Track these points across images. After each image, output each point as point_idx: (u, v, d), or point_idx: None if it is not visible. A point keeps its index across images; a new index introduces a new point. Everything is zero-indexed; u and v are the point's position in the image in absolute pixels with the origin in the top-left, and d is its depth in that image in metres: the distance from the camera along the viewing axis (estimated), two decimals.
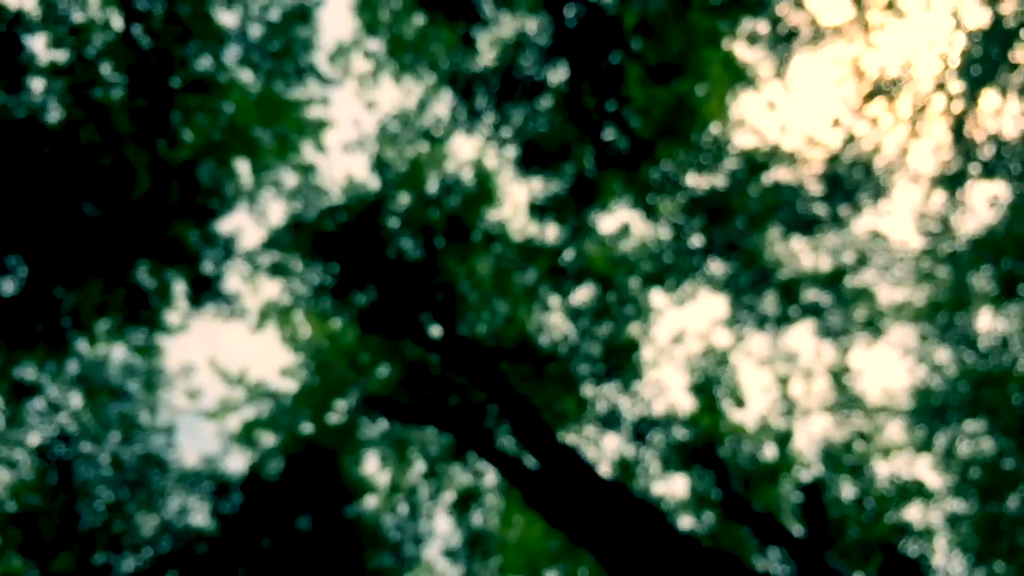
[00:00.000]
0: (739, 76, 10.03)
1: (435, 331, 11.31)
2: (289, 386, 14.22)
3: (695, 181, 11.63)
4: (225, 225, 11.77)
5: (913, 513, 13.00)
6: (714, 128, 9.92)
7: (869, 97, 13.73)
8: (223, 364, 13.82)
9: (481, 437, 8.14)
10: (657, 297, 13.65)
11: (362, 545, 10.13)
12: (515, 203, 13.14)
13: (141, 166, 8.80)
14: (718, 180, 12.25)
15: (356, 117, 12.16)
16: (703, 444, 12.95)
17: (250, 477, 10.74)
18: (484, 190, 12.59)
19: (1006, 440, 13.63)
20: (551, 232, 13.22)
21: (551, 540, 13.12)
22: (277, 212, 13.95)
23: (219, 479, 10.70)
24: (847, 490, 12.78)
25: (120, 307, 9.79)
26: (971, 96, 13.85)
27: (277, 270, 13.11)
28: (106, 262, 9.24)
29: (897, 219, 14.26)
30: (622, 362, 14.01)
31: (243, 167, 12.01)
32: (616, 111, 9.57)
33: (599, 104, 9.68)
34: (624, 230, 13.26)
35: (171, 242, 9.96)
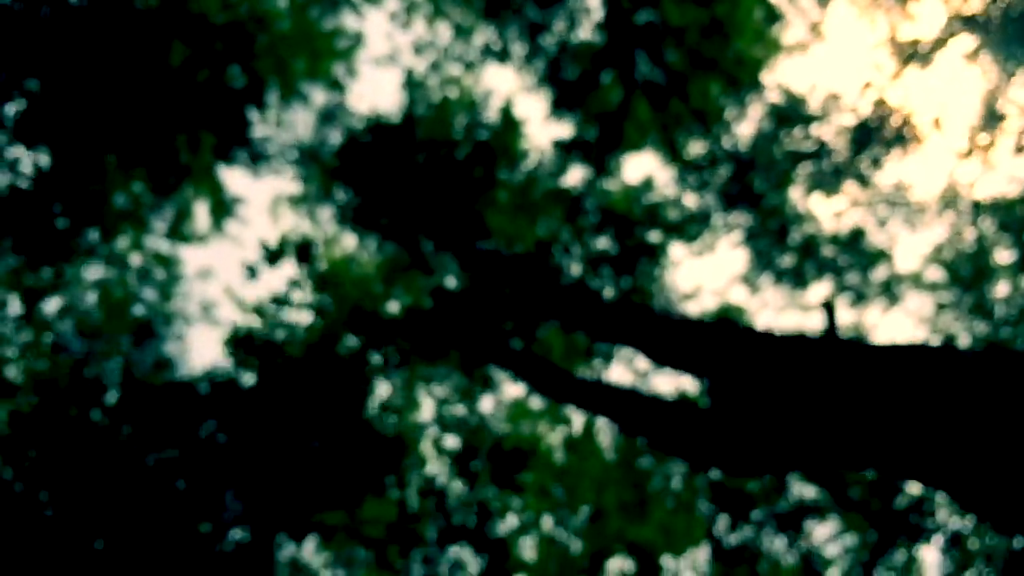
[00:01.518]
0: (774, 15, 9.97)
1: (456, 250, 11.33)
2: (304, 317, 14.28)
3: (724, 126, 11.59)
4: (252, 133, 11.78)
5: None
6: (747, 66, 9.87)
7: (904, 62, 13.64)
8: (238, 291, 13.88)
9: (502, 348, 8.15)
10: (676, 247, 13.63)
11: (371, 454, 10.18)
12: (542, 140, 13.12)
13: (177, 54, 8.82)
14: (746, 127, 12.20)
15: (388, 44, 12.14)
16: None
17: (256, 387, 10.80)
18: (511, 125, 12.58)
19: None
20: (575, 173, 13.20)
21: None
22: (302, 131, 14.04)
23: (223, 384, 10.77)
24: None
25: (143, 198, 9.85)
26: (1004, 67, 13.74)
27: (298, 192, 13.15)
28: (133, 137, 9.29)
29: (921, 184, 14.18)
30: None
31: (272, 84, 12.04)
32: (651, 34, 9.53)
33: (634, 25, 9.64)
34: (647, 180, 13.25)
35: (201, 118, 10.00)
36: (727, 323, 3.87)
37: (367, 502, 10.01)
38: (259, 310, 13.26)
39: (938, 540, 9.91)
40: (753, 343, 3.79)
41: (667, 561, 11.58)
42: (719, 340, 3.86)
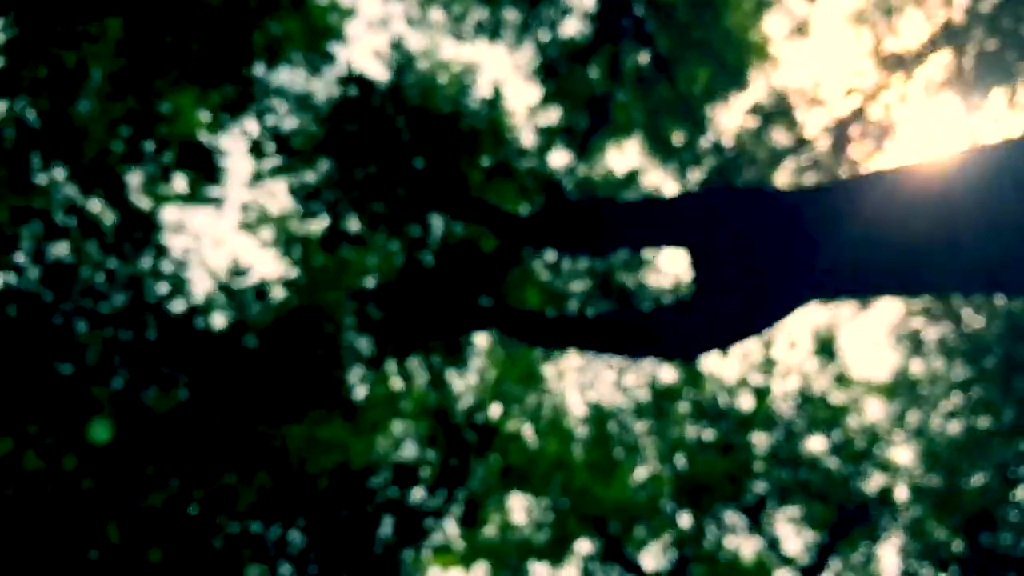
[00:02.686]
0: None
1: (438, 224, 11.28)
2: (278, 293, 14.13)
3: (709, 112, 11.67)
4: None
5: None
6: (737, 49, 9.95)
7: (886, 69, 13.84)
8: (212, 262, 13.70)
9: (483, 309, 8.10)
10: None
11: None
12: (527, 121, 13.13)
13: None
14: (733, 118, 12.29)
15: (379, 13, 12.12)
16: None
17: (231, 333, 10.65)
18: (497, 101, 12.57)
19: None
20: (559, 156, 13.21)
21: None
22: (285, 99, 13.94)
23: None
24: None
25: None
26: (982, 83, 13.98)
27: (281, 162, 13.03)
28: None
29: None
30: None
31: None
32: (640, 12, 9.57)
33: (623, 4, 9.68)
34: (631, 170, 13.29)
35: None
36: (703, 193, 3.86)
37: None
38: (229, 281, 13.10)
39: (896, 531, 9.99)
40: (733, 202, 3.79)
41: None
42: (700, 206, 3.85)
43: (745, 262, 3.60)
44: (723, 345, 3.75)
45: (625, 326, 4.08)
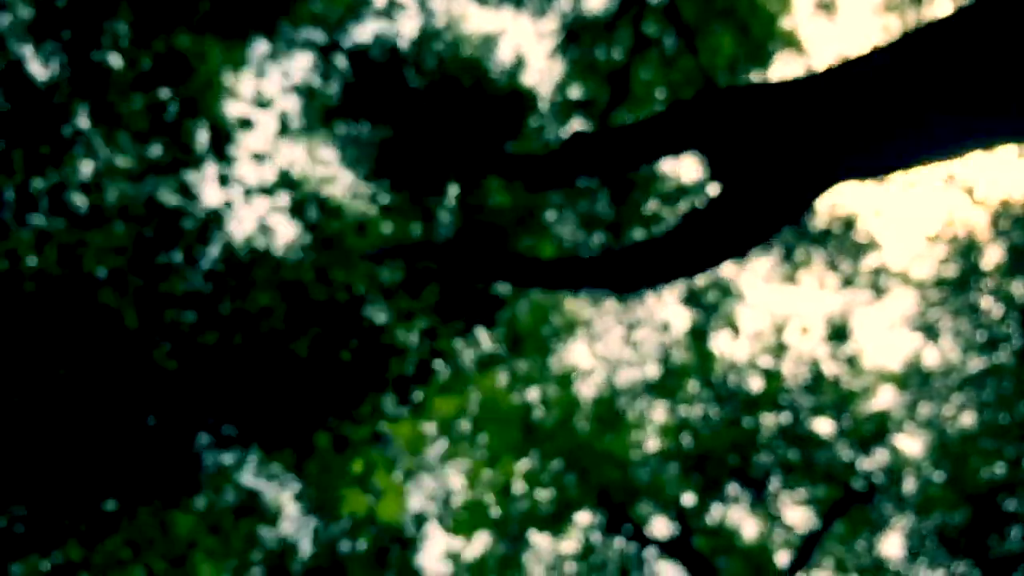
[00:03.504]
0: None
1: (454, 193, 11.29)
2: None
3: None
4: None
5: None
6: (762, 18, 9.86)
7: None
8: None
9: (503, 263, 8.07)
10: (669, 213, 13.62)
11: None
12: (548, 93, 13.10)
13: None
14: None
15: None
16: None
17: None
18: (519, 72, 12.54)
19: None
20: (577, 126, 13.17)
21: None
22: (304, 60, 13.96)
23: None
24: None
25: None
26: None
27: (302, 121, 13.07)
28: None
29: (918, 181, 14.22)
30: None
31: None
32: None
33: None
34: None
35: None
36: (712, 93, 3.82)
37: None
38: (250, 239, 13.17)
39: (900, 513, 9.91)
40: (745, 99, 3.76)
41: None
42: (712, 109, 3.82)
43: (763, 154, 3.58)
44: (748, 246, 3.71)
45: (635, 252, 4.06)
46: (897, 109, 3.18)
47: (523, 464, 13.32)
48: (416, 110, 12.12)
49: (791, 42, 11.52)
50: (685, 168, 13.06)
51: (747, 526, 11.08)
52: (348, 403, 9.59)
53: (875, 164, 3.50)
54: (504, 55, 12.55)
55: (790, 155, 3.45)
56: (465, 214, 11.14)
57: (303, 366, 9.82)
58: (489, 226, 9.84)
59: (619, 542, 11.26)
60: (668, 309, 15.20)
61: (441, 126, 11.90)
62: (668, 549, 10.91)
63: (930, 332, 14.66)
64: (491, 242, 9.52)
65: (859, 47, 12.36)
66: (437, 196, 11.44)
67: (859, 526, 9.92)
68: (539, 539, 13.11)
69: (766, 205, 3.55)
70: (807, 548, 9.94)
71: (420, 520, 12.89)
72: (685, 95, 11.83)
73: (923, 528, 11.05)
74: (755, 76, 11.74)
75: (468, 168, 9.43)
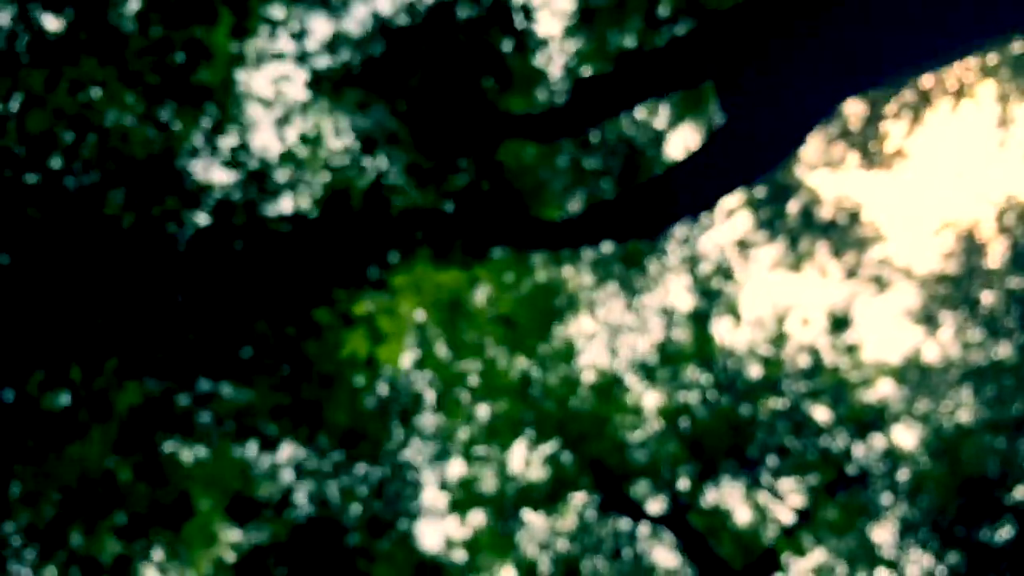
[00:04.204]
0: None
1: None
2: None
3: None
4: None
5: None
6: None
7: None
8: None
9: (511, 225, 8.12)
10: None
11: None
12: (560, 70, 13.08)
13: None
14: None
15: None
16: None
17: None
18: (530, 42, 12.53)
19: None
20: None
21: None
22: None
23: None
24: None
25: None
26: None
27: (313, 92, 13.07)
28: None
29: (926, 178, 14.23)
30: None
31: None
32: None
33: None
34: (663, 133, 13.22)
35: None
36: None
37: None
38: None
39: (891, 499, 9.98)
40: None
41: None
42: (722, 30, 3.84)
43: (771, 78, 3.59)
44: (756, 174, 3.73)
45: (641, 194, 4.09)
46: None
47: (520, 441, 13.39)
48: (428, 82, 12.12)
49: None
50: None
51: (740, 508, 11.15)
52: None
53: (890, 62, 3.49)
54: (516, 24, 12.53)
55: (795, 73, 3.47)
56: (478, 180, 11.16)
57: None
58: (502, 190, 9.85)
59: (614, 520, 11.33)
60: (671, 294, 15.24)
61: (449, 89, 11.89)
62: (664, 523, 10.98)
63: (931, 326, 14.69)
64: (505, 206, 9.54)
65: None
66: (452, 163, 11.46)
67: (851, 511, 10.00)
68: (533, 517, 13.21)
69: (772, 128, 3.57)
70: (797, 531, 10.02)
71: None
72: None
73: (914, 517, 11.11)
74: None
75: (481, 134, 9.44)
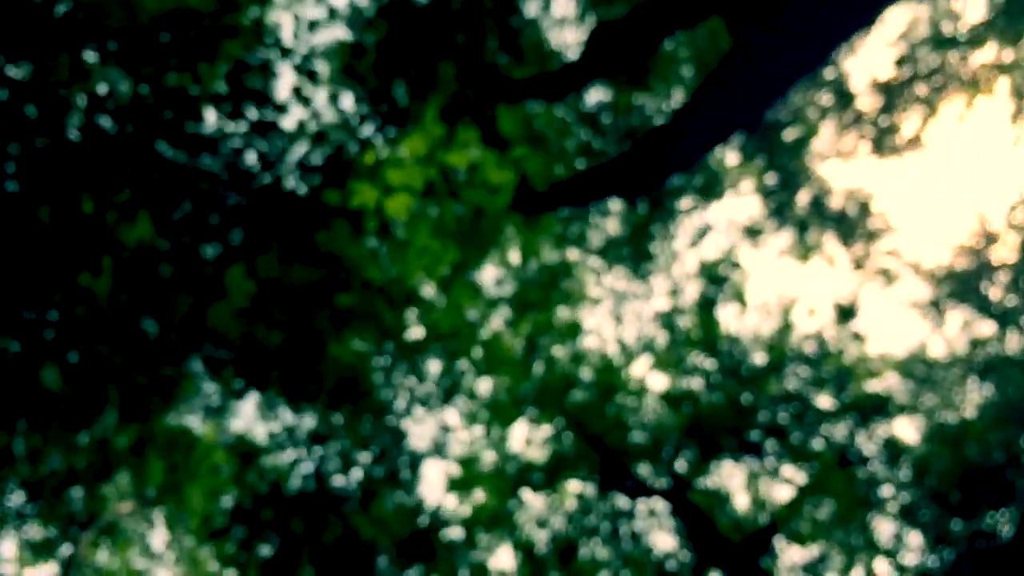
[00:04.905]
0: None
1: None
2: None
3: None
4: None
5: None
6: None
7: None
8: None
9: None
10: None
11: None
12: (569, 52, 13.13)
13: None
14: None
15: None
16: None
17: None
18: (542, 24, 12.58)
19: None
20: (600, 94, 13.23)
21: None
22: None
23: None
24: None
25: None
26: None
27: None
28: None
29: (936, 171, 14.19)
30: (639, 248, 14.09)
31: None
32: None
33: None
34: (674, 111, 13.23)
35: None
36: None
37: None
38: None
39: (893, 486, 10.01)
40: None
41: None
42: None
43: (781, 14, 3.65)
44: (765, 104, 3.78)
45: (643, 145, 4.16)
46: None
47: (523, 418, 13.48)
48: (437, 52, 12.18)
49: None
50: None
51: (739, 491, 11.21)
52: None
53: None
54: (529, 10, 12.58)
55: (799, 12, 3.52)
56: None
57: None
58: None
59: (614, 498, 11.41)
60: (678, 280, 15.28)
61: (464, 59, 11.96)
62: (664, 496, 11.05)
63: (937, 320, 14.68)
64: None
65: None
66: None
67: (849, 497, 10.04)
68: (533, 496, 13.30)
69: (781, 54, 3.62)
70: (793, 515, 10.06)
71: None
72: (711, 63, 11.88)
73: (913, 506, 11.13)
74: None
75: (491, 95, 9.52)
